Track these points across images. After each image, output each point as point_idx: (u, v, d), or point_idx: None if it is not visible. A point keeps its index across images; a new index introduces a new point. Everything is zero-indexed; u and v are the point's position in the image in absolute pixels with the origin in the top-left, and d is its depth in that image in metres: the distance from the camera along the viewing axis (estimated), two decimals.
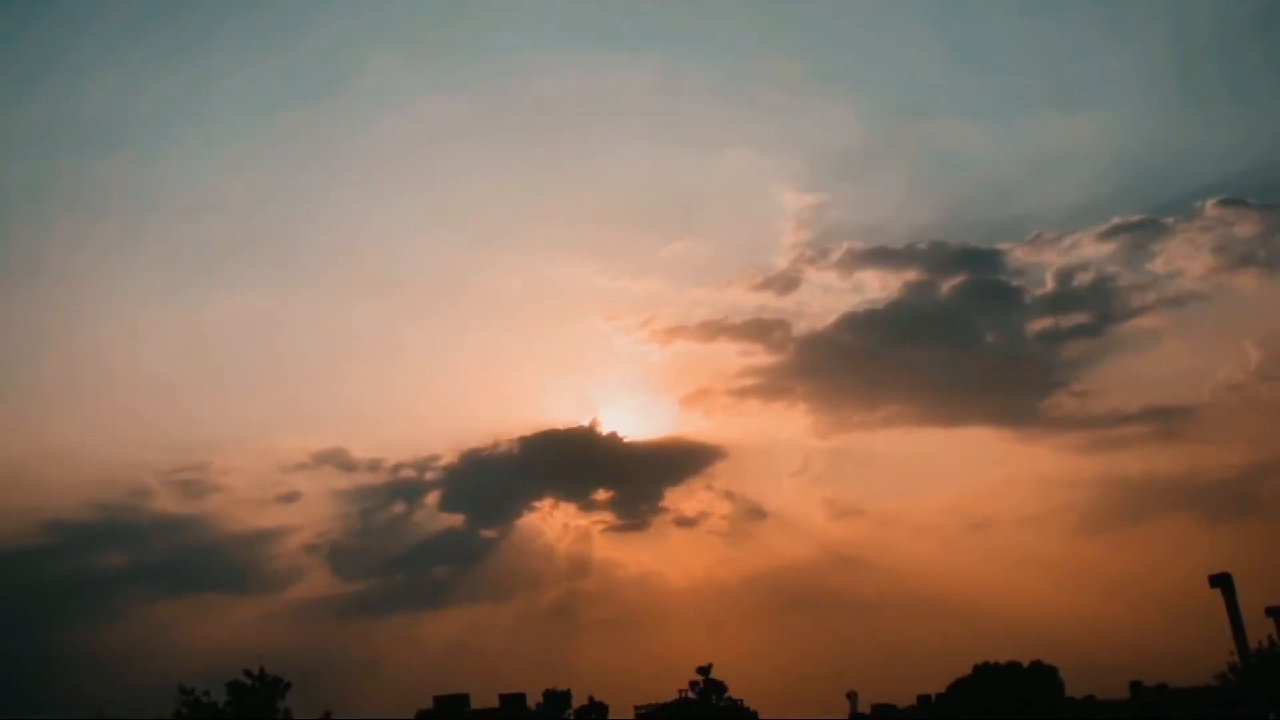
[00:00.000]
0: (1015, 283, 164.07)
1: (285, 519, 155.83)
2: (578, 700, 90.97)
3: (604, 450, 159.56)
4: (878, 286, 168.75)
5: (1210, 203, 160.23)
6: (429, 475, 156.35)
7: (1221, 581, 41.16)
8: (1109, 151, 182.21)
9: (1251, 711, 62.91)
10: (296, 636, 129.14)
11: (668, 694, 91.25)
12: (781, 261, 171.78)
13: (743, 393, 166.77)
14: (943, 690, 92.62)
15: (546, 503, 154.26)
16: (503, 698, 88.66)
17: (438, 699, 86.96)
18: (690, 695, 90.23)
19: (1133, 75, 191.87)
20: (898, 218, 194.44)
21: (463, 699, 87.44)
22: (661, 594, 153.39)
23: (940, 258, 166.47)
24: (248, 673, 73.99)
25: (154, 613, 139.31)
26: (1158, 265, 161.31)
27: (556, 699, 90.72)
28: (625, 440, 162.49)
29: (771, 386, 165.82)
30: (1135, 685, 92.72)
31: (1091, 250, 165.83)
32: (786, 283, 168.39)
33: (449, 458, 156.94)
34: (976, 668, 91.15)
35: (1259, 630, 62.95)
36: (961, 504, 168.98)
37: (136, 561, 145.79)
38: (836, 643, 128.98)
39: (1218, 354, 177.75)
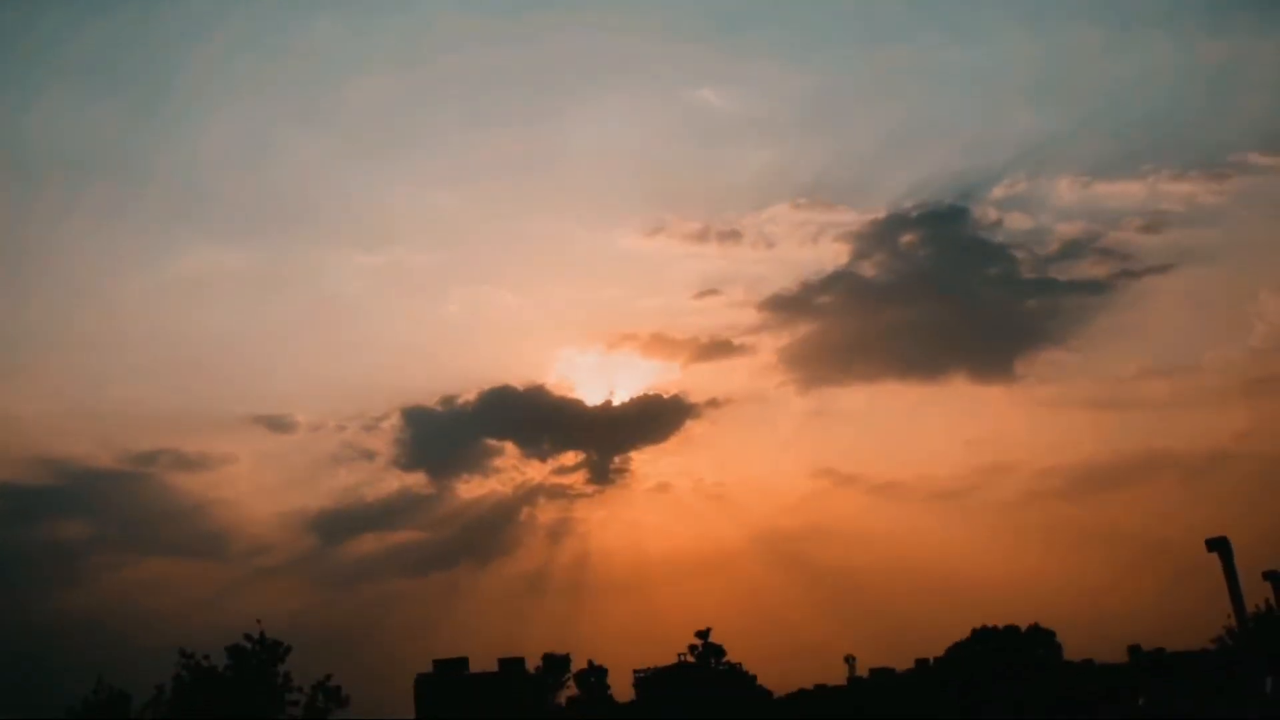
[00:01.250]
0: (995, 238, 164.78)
1: (240, 481, 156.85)
2: (577, 664, 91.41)
3: (571, 411, 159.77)
4: (848, 238, 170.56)
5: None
6: (385, 434, 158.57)
7: (1218, 545, 41.06)
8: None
9: (1248, 675, 63.00)
10: (279, 601, 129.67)
11: (666, 657, 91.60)
12: (745, 214, 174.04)
13: (708, 349, 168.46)
14: (941, 654, 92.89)
15: (510, 461, 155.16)
16: (502, 661, 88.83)
17: (437, 663, 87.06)
18: (689, 658, 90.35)
19: None
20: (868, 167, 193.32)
21: (462, 662, 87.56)
22: (636, 559, 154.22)
23: (910, 214, 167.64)
24: (248, 636, 73.01)
25: (120, 578, 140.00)
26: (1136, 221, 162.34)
27: (555, 663, 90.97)
28: (597, 399, 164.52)
29: (740, 343, 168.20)
30: (1134, 649, 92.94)
31: (1070, 196, 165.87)
32: (753, 237, 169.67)
33: (391, 418, 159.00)
34: (974, 631, 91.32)
35: (1256, 594, 63.06)
36: (941, 465, 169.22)
37: (91, 527, 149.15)
38: (833, 608, 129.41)
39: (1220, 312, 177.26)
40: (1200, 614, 77.22)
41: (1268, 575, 49.00)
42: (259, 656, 73.48)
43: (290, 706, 73.75)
